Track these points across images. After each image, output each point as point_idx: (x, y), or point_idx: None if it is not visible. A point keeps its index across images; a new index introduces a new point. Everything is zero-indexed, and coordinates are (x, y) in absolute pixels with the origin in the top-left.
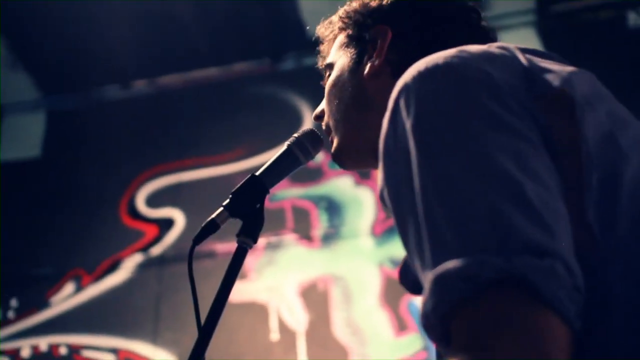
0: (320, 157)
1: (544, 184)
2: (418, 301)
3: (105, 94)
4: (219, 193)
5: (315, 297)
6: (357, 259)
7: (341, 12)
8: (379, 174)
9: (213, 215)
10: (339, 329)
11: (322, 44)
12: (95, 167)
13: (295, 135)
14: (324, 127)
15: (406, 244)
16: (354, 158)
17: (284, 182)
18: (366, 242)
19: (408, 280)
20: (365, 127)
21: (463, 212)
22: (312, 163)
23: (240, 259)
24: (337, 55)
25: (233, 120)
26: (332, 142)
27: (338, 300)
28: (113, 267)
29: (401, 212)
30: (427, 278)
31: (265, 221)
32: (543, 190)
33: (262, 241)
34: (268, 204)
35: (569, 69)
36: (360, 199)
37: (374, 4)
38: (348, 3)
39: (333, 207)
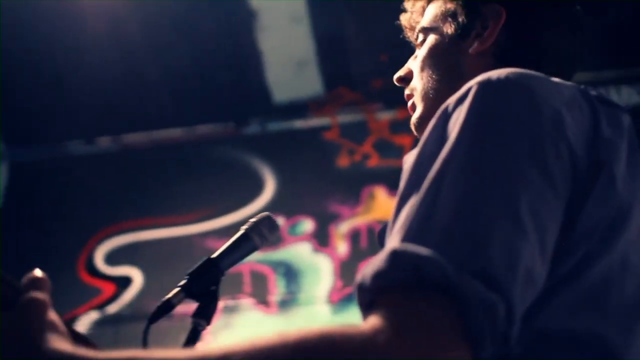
0: (280, 222)
1: (542, 241)
2: None
3: (70, 149)
4: (178, 253)
5: None
6: (314, 326)
7: None
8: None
9: (169, 296)
10: None
11: (412, 5)
12: (56, 221)
13: (253, 220)
14: (407, 92)
15: (398, 206)
16: None
17: None
18: (323, 309)
19: (384, 242)
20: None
21: (464, 218)
22: None
23: (194, 340)
24: (437, 22)
25: (196, 181)
26: (413, 107)
27: None
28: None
29: (412, 179)
30: (390, 245)
31: (223, 284)
32: (537, 249)
33: (219, 304)
34: None
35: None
36: (318, 265)
37: None
38: None
39: (291, 273)
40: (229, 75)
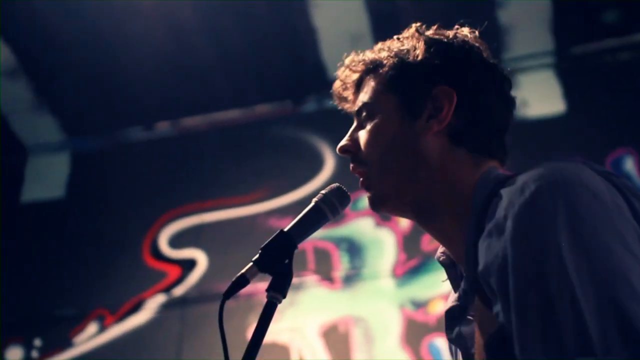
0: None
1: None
2: (438, 342)
3: (129, 136)
4: (241, 234)
5: (336, 338)
6: (378, 301)
7: (382, 51)
8: (486, 249)
9: (243, 271)
10: None
11: (347, 77)
12: (119, 208)
13: (323, 192)
14: (354, 166)
15: (522, 319)
16: (395, 208)
17: None
18: (387, 283)
19: (452, 330)
20: (415, 181)
21: (605, 317)
22: None
23: (270, 313)
24: (379, 97)
25: (255, 162)
26: (367, 186)
27: (359, 341)
28: (136, 307)
29: (530, 294)
30: None
31: None
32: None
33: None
34: None
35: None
36: (381, 240)
37: (422, 56)
38: (387, 45)
39: (354, 249)
40: (283, 54)
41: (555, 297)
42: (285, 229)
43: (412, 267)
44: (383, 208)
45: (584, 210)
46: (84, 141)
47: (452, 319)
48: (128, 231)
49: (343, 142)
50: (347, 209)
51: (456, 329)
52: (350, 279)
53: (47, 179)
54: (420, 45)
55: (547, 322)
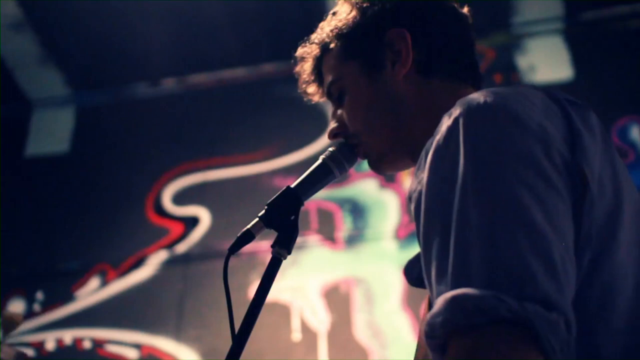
0: None
1: (565, 241)
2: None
3: (135, 92)
4: (245, 192)
5: (337, 299)
6: (380, 262)
7: (323, 31)
8: (413, 178)
9: (248, 226)
10: (360, 331)
11: (305, 71)
12: (123, 164)
13: (330, 149)
14: (348, 141)
15: (426, 251)
16: (394, 162)
17: None
18: (390, 245)
19: (412, 275)
20: (404, 129)
21: (495, 249)
22: None
23: (275, 269)
24: (340, 70)
25: (261, 120)
26: (364, 153)
27: (360, 302)
28: (138, 263)
29: (432, 222)
30: (444, 294)
31: None
32: (563, 248)
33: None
34: None
35: (592, 133)
36: (385, 202)
37: (359, 14)
38: (324, 24)
39: (357, 210)
40: (292, 12)
41: (447, 227)
42: (292, 186)
43: (414, 229)
44: (383, 166)
45: (492, 142)
46: (89, 96)
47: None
48: (132, 187)
49: (330, 127)
50: (352, 170)
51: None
52: (353, 240)
53: (52, 133)
54: (352, 7)
55: (437, 251)
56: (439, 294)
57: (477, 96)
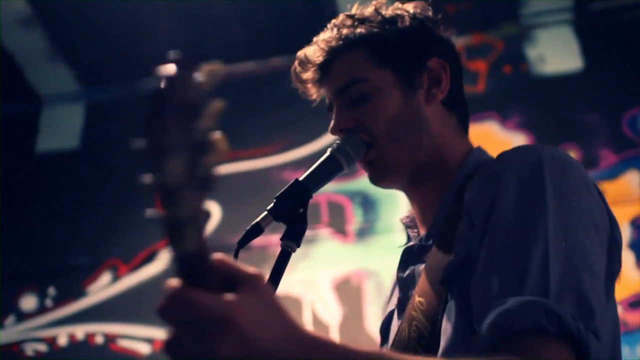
0: None
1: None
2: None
3: (144, 86)
4: (255, 186)
5: (348, 292)
6: (392, 255)
7: (357, 27)
8: (472, 189)
9: (257, 219)
10: (372, 324)
11: (318, 57)
12: (133, 159)
13: (338, 141)
14: (362, 138)
15: (493, 253)
16: (398, 178)
17: None
18: (400, 237)
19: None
20: (420, 151)
21: (569, 278)
22: None
23: (284, 262)
24: (371, 73)
25: (270, 115)
26: (378, 157)
27: (371, 294)
28: (149, 258)
29: (512, 232)
30: (519, 297)
31: None
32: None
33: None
34: None
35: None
36: (395, 194)
37: (408, 30)
38: (357, 19)
39: (368, 202)
40: (301, 5)
41: (532, 244)
42: (301, 178)
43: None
44: (387, 179)
45: (573, 182)
46: (99, 91)
47: (409, 258)
48: (142, 182)
49: (340, 123)
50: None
51: (410, 268)
52: (364, 233)
53: (62, 129)
54: (405, 20)
55: (517, 259)
56: (506, 291)
57: (542, 146)
